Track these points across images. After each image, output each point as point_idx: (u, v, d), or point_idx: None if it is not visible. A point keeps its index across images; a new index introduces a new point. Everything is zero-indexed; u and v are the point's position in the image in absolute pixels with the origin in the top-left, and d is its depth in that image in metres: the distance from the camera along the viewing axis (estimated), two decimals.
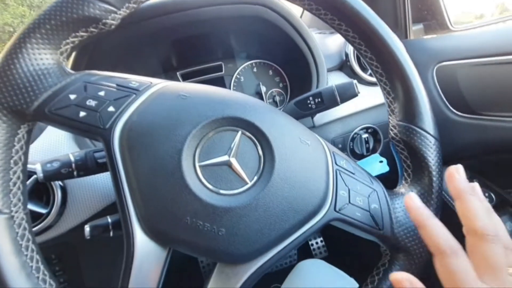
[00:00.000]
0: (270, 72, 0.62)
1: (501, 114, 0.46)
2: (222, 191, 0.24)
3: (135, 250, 0.24)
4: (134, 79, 0.27)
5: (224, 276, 0.25)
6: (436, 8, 0.65)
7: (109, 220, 0.30)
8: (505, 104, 0.46)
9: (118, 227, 0.30)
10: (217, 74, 0.60)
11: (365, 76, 0.56)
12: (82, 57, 0.44)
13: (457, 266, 0.21)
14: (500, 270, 0.21)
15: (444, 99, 0.53)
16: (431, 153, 0.30)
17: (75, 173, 0.32)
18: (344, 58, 0.57)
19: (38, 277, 0.23)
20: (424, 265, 0.29)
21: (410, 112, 0.31)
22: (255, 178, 0.25)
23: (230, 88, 0.60)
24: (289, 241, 0.25)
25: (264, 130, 0.25)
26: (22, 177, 0.25)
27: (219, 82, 0.60)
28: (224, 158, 0.25)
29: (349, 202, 0.27)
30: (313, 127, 0.52)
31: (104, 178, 0.42)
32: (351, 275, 0.50)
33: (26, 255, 0.23)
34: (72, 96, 0.24)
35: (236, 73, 0.61)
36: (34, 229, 0.38)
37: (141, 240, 0.24)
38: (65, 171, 0.32)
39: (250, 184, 0.25)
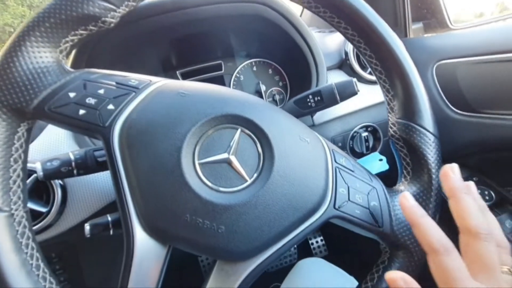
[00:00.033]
0: (270, 71, 0.62)
1: (501, 112, 0.46)
2: (221, 189, 0.24)
3: (135, 247, 0.24)
4: (134, 77, 0.27)
5: (223, 273, 0.25)
6: (435, 6, 0.65)
7: (109, 218, 0.30)
8: (505, 102, 0.46)
9: (118, 226, 0.30)
10: (216, 73, 0.60)
11: (365, 75, 0.56)
12: (81, 56, 0.44)
13: (449, 264, 0.21)
14: (493, 268, 0.21)
15: (444, 97, 0.53)
16: (430, 150, 0.30)
17: (75, 171, 0.32)
18: (344, 56, 0.57)
19: (38, 275, 0.23)
20: (424, 263, 0.29)
21: (409, 110, 0.31)
22: (255, 175, 0.25)
23: (229, 87, 0.60)
24: (288, 239, 0.26)
25: (263, 128, 0.25)
26: (22, 175, 0.25)
27: (219, 81, 0.60)
28: (224, 155, 0.25)
29: (349, 199, 0.27)
30: (312, 126, 0.52)
31: (104, 177, 0.42)
32: (351, 273, 0.50)
33: (26, 253, 0.23)
34: (72, 94, 0.24)
35: (235, 72, 0.61)
36: (34, 228, 0.38)
37: (141, 238, 0.24)
38: (65, 170, 0.32)
39: (249, 181, 0.25)
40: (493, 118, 0.47)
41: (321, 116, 0.52)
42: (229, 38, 0.57)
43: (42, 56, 0.24)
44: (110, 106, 0.25)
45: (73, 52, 0.44)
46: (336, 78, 0.55)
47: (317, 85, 0.53)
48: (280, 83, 0.62)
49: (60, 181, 0.40)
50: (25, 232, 0.24)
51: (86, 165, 0.32)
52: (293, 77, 0.61)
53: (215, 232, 0.23)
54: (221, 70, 0.60)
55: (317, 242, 0.90)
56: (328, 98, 0.41)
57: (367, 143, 0.55)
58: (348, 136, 0.54)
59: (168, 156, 0.23)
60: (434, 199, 0.30)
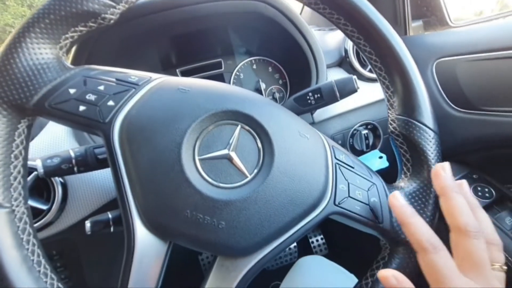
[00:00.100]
0: (270, 69, 0.62)
1: (501, 109, 0.46)
2: (222, 185, 0.24)
3: (136, 244, 0.24)
4: (134, 74, 0.27)
5: (224, 269, 0.25)
6: (435, 4, 0.65)
7: (110, 216, 0.30)
8: (505, 99, 0.46)
9: (118, 223, 0.30)
10: (216, 71, 0.60)
11: (364, 72, 0.56)
12: (81, 53, 0.44)
13: (438, 262, 0.22)
14: (483, 266, 0.22)
15: (444, 95, 0.53)
16: (430, 146, 0.30)
17: (75, 169, 0.32)
18: (344, 54, 0.57)
19: (39, 271, 0.23)
20: None
21: (409, 106, 0.31)
22: (255, 171, 0.25)
23: None
24: (288, 235, 0.26)
25: (263, 124, 0.26)
26: (22, 171, 0.25)
27: (219, 79, 0.60)
28: (224, 152, 0.25)
29: (349, 195, 0.27)
30: (312, 124, 0.52)
31: (104, 175, 0.42)
32: (351, 271, 0.50)
33: (27, 249, 0.23)
34: (72, 91, 0.24)
35: (235, 70, 0.61)
36: (35, 225, 0.38)
37: (142, 234, 0.24)
38: (65, 167, 0.32)
39: (249, 177, 0.25)
40: (493, 115, 0.47)
41: (321, 113, 0.52)
42: (229, 36, 0.57)
43: (42, 53, 0.24)
44: (110, 102, 0.25)
45: (73, 49, 0.44)
46: (335, 75, 0.55)
47: (317, 83, 0.53)
48: (280, 81, 0.62)
49: (60, 179, 0.40)
50: (26, 228, 0.24)
51: (87, 163, 0.33)
52: (293, 75, 0.61)
53: (215, 227, 0.23)
54: (221, 68, 0.60)
55: (317, 240, 0.90)
56: (328, 96, 0.41)
57: (367, 141, 0.55)
58: (348, 134, 0.54)
59: (168, 152, 0.24)
60: (433, 195, 0.30)
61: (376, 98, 0.55)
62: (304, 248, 0.89)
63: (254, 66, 0.62)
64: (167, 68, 0.59)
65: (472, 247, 0.22)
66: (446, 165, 0.26)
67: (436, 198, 0.30)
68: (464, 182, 0.26)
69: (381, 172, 0.33)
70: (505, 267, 0.23)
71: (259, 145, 0.26)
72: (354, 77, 0.42)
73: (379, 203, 0.28)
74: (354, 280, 0.48)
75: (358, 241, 0.77)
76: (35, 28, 0.23)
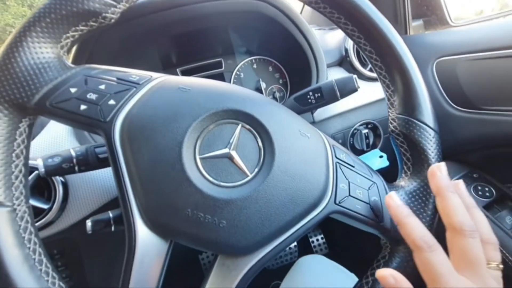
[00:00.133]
0: (270, 68, 0.62)
1: (501, 108, 0.46)
2: (222, 183, 0.24)
3: (137, 242, 0.24)
4: (134, 73, 0.27)
5: (225, 268, 0.25)
6: (436, 3, 0.65)
7: (111, 215, 0.30)
8: (505, 99, 0.46)
9: (119, 222, 0.30)
10: (217, 70, 0.60)
11: (365, 72, 0.56)
12: (82, 53, 0.44)
13: (433, 260, 0.22)
14: (478, 264, 0.22)
15: (444, 94, 0.53)
16: (430, 145, 0.30)
17: (76, 168, 0.32)
18: (344, 53, 0.57)
19: (41, 270, 0.23)
20: None
21: (409, 105, 0.31)
22: (256, 170, 0.25)
23: None
24: (289, 233, 0.26)
25: (263, 123, 0.26)
26: (24, 170, 0.25)
27: (219, 78, 0.60)
28: (225, 150, 0.25)
29: (349, 194, 0.27)
30: (313, 123, 0.52)
31: (105, 174, 0.42)
32: (351, 270, 0.50)
33: (29, 248, 0.23)
34: (73, 90, 0.24)
35: (236, 69, 0.61)
36: (36, 224, 0.38)
37: (143, 233, 0.24)
38: (66, 166, 0.32)
39: (250, 176, 0.25)
40: (493, 115, 0.47)
41: (321, 113, 0.52)
42: (229, 36, 0.57)
43: (43, 52, 0.24)
44: (111, 102, 0.25)
45: (74, 48, 0.44)
46: (336, 75, 0.55)
47: (317, 82, 0.53)
48: (280, 81, 0.62)
49: (61, 178, 0.40)
50: (27, 227, 0.24)
51: (87, 162, 0.33)
52: (293, 74, 0.61)
53: (216, 226, 0.23)
54: (221, 67, 0.60)
55: (317, 240, 0.90)
56: (329, 95, 0.41)
57: (367, 140, 0.55)
58: (348, 133, 0.54)
59: (169, 151, 0.24)
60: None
61: (377, 97, 0.55)
62: (304, 247, 0.89)
63: (255, 66, 0.62)
64: (167, 68, 0.59)
65: (468, 246, 0.22)
66: (442, 165, 0.26)
67: None
68: (460, 182, 0.26)
69: (382, 171, 0.34)
70: (501, 266, 0.24)
71: (260, 144, 0.26)
72: (355, 76, 0.42)
73: (379, 202, 0.28)
74: (354, 279, 0.48)
75: (358, 241, 0.77)
76: (36, 27, 0.23)
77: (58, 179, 0.39)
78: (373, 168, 0.32)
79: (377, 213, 0.28)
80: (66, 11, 0.24)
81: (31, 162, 0.36)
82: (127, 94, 0.25)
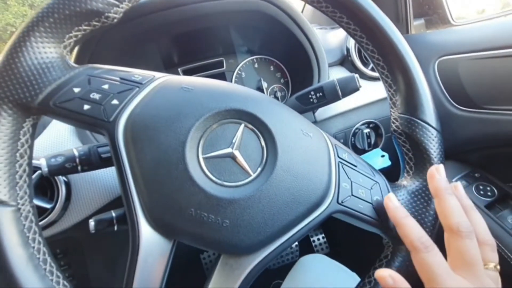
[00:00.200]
0: (271, 68, 0.62)
1: (503, 107, 0.46)
2: (226, 183, 0.24)
3: (141, 242, 0.24)
4: (137, 73, 0.27)
5: (228, 267, 0.25)
6: (437, 2, 0.65)
7: (113, 214, 0.30)
8: (507, 98, 0.46)
9: (122, 221, 0.31)
10: (218, 70, 0.60)
11: (366, 71, 0.56)
12: (85, 52, 0.44)
13: (430, 260, 0.22)
14: (475, 264, 0.22)
15: (446, 93, 0.53)
16: (433, 145, 0.30)
17: (79, 167, 0.32)
18: (345, 53, 0.57)
19: (45, 269, 0.23)
20: None
21: (411, 105, 0.31)
22: (258, 170, 0.25)
23: None
24: (292, 233, 0.26)
25: (266, 122, 0.26)
26: (28, 170, 0.25)
27: (221, 78, 0.60)
28: (228, 150, 0.25)
29: (352, 194, 0.28)
30: (314, 122, 0.52)
31: (106, 173, 0.42)
32: (353, 270, 0.50)
33: (33, 247, 0.23)
34: (76, 90, 0.24)
35: (237, 69, 0.61)
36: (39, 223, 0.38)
37: (146, 232, 0.24)
38: (69, 166, 0.32)
39: (253, 176, 0.25)
40: (495, 114, 0.47)
41: (322, 112, 0.52)
42: (230, 35, 0.57)
43: (46, 52, 0.24)
44: (114, 101, 0.25)
45: (76, 48, 0.44)
46: (337, 74, 0.55)
47: (318, 82, 0.53)
48: (282, 80, 0.62)
49: (64, 178, 0.40)
50: (31, 227, 0.24)
51: (90, 161, 0.33)
52: (295, 74, 0.61)
53: (219, 226, 0.24)
54: (223, 67, 0.60)
55: (318, 239, 0.90)
56: (330, 94, 0.41)
57: (369, 140, 0.55)
58: (350, 133, 0.54)
59: (172, 150, 0.24)
60: None
61: (378, 96, 0.55)
62: (306, 246, 0.89)
63: (256, 65, 0.62)
64: (169, 67, 0.59)
65: (464, 247, 0.23)
66: (441, 167, 0.26)
67: None
68: (458, 184, 0.27)
69: (383, 171, 0.34)
70: (498, 267, 0.24)
71: (263, 143, 0.26)
72: (356, 75, 0.42)
73: (382, 202, 0.28)
74: (356, 279, 0.48)
75: (359, 240, 0.77)
76: (39, 27, 0.24)
77: (60, 179, 0.40)
78: (375, 168, 0.32)
79: (379, 212, 0.28)
80: (69, 11, 0.24)
81: (34, 161, 0.35)
82: (130, 93, 0.25)
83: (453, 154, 0.54)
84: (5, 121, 0.23)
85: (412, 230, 0.24)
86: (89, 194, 0.41)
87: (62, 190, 0.39)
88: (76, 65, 0.26)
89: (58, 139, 0.43)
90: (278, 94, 0.62)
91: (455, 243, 0.23)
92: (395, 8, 0.63)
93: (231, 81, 0.61)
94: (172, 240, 0.25)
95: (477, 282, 0.22)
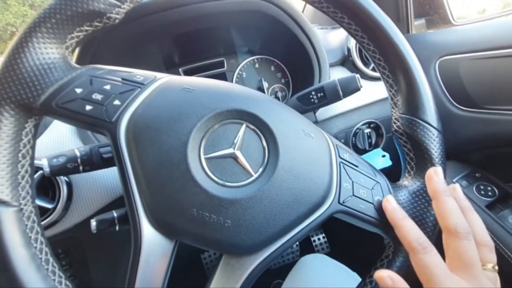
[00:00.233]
0: (272, 68, 0.62)
1: (504, 107, 0.46)
2: (227, 183, 0.24)
3: (143, 242, 0.24)
4: (139, 73, 0.27)
5: (230, 267, 0.25)
6: (438, 2, 0.65)
7: (115, 214, 0.31)
8: (508, 98, 0.46)
9: (123, 221, 0.31)
10: (219, 70, 0.60)
11: (367, 71, 0.56)
12: (86, 53, 0.44)
13: (428, 261, 0.23)
14: (472, 265, 0.23)
15: (447, 93, 0.53)
16: (434, 145, 0.30)
17: (80, 168, 0.32)
18: (346, 53, 0.57)
19: (47, 269, 0.23)
20: None
21: (413, 105, 0.31)
22: (260, 170, 0.25)
23: None
24: (294, 233, 0.26)
25: (268, 123, 0.26)
26: (30, 170, 0.25)
27: (221, 78, 0.60)
28: (229, 150, 0.25)
29: (353, 194, 0.28)
30: (315, 122, 0.52)
31: (108, 174, 0.42)
32: (353, 270, 0.50)
33: (36, 247, 0.23)
34: (78, 90, 0.25)
35: (238, 69, 0.61)
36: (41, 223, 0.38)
37: (148, 232, 0.24)
38: (71, 166, 0.32)
39: (255, 176, 0.25)
40: (496, 114, 0.47)
41: (323, 112, 0.52)
42: (231, 35, 0.57)
43: (48, 52, 0.24)
44: (116, 102, 0.25)
45: (77, 49, 0.44)
46: (338, 74, 0.55)
47: (319, 82, 0.53)
48: (283, 80, 0.62)
49: (65, 178, 0.40)
50: (34, 227, 0.24)
51: (92, 162, 0.33)
52: (296, 74, 0.61)
53: (221, 226, 0.24)
54: (224, 67, 0.60)
55: (319, 239, 0.91)
56: (331, 94, 0.42)
57: (369, 140, 0.55)
58: (350, 133, 0.54)
59: (174, 151, 0.24)
60: None
61: (379, 97, 0.55)
62: (306, 246, 0.89)
63: (257, 65, 0.62)
64: (170, 67, 0.59)
65: (462, 248, 0.23)
66: (439, 169, 0.27)
67: None
68: (457, 186, 0.27)
69: (384, 171, 0.34)
70: (496, 268, 0.24)
71: (264, 144, 0.26)
72: (357, 75, 0.42)
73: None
74: (357, 278, 0.48)
75: (359, 240, 0.77)
76: (41, 28, 0.24)
77: (62, 179, 0.40)
78: (376, 168, 0.32)
79: (380, 212, 0.28)
80: (71, 11, 0.24)
81: (36, 162, 0.36)
82: (132, 94, 0.25)
83: (454, 154, 0.54)
84: (7, 121, 0.23)
85: (410, 232, 0.25)
86: (90, 194, 0.41)
87: (64, 190, 0.39)
88: (78, 66, 0.26)
89: (59, 139, 0.43)
90: (279, 94, 0.62)
91: (453, 244, 0.24)
92: (396, 8, 0.63)
93: (232, 81, 0.61)
94: (174, 240, 0.25)
95: (475, 283, 0.22)
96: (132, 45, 0.50)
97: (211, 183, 0.24)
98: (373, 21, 0.30)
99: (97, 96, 0.25)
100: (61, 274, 0.24)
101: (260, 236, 0.24)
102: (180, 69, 0.59)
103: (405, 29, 0.63)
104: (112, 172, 0.42)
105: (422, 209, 0.29)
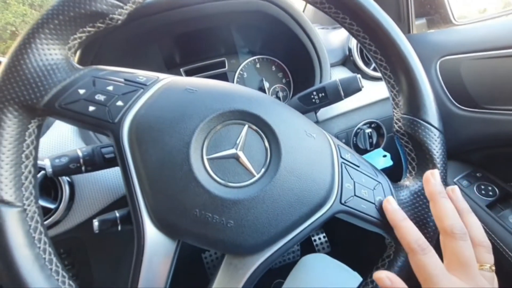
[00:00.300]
0: (273, 68, 0.62)
1: (505, 107, 0.46)
2: (230, 184, 0.25)
3: (146, 242, 0.24)
4: (141, 74, 0.27)
5: (232, 267, 0.25)
6: (439, 2, 0.65)
7: (117, 214, 0.31)
8: (509, 98, 0.46)
9: (126, 222, 0.31)
10: (220, 70, 0.60)
11: (368, 71, 0.56)
12: (87, 54, 0.44)
13: (426, 262, 0.23)
14: (469, 265, 0.23)
15: (448, 93, 0.53)
16: (435, 145, 0.30)
17: (83, 168, 0.32)
18: (347, 53, 0.57)
19: (51, 269, 0.23)
20: None
21: (414, 105, 0.31)
22: (262, 170, 0.25)
23: None
24: (296, 233, 0.26)
25: (270, 123, 0.26)
26: (33, 171, 0.25)
27: (222, 78, 0.60)
28: (232, 151, 0.25)
29: (355, 194, 0.28)
30: (316, 122, 0.52)
31: (110, 174, 0.43)
32: (354, 269, 0.50)
33: (39, 248, 0.23)
34: (81, 91, 0.25)
35: (239, 69, 0.61)
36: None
37: (151, 233, 0.24)
38: (73, 166, 0.32)
39: (257, 176, 0.25)
40: (496, 114, 0.47)
41: (324, 112, 0.53)
42: (232, 35, 0.57)
43: (51, 53, 0.24)
44: (119, 103, 0.25)
45: (79, 50, 0.44)
46: (339, 74, 0.55)
47: (320, 82, 0.53)
48: (284, 80, 0.62)
49: (67, 178, 0.40)
50: (37, 227, 0.24)
51: (94, 162, 0.33)
52: (297, 74, 0.61)
53: (224, 226, 0.24)
54: (225, 67, 0.60)
55: (319, 238, 0.91)
56: (333, 95, 0.42)
57: (370, 140, 0.55)
58: (351, 133, 0.54)
59: (177, 151, 0.24)
60: None
61: (380, 97, 0.55)
62: (307, 246, 0.89)
63: (258, 65, 0.62)
64: (171, 67, 0.59)
65: (458, 248, 0.23)
66: (436, 172, 0.27)
67: None
68: (455, 188, 0.28)
69: (385, 171, 0.34)
70: (493, 268, 0.25)
71: (266, 144, 0.26)
72: (359, 76, 0.42)
73: None
74: (358, 278, 0.48)
75: (360, 239, 0.77)
76: (44, 29, 0.24)
77: (64, 179, 0.40)
78: (377, 168, 0.32)
79: (382, 213, 0.28)
80: (74, 12, 0.24)
81: (38, 162, 0.36)
82: (135, 95, 0.25)
83: (454, 154, 0.54)
84: (10, 122, 0.23)
85: (409, 232, 0.25)
86: (92, 194, 0.41)
87: (66, 190, 0.39)
88: (80, 67, 0.26)
89: (61, 139, 0.43)
90: (280, 94, 0.62)
91: (449, 245, 0.24)
92: (397, 8, 0.63)
93: (233, 81, 0.61)
94: (176, 240, 0.25)
95: (472, 283, 0.22)
96: (133, 46, 0.50)
97: (214, 183, 0.24)
98: (375, 22, 0.30)
99: (100, 97, 0.25)
100: (64, 274, 0.24)
101: (263, 236, 0.24)
102: (181, 69, 0.59)
103: (406, 29, 0.63)
104: (114, 173, 0.42)
105: (423, 209, 0.29)
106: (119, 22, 0.27)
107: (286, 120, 0.27)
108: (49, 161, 0.32)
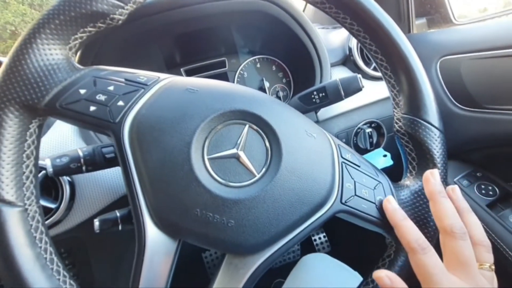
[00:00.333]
0: (273, 68, 0.62)
1: (505, 107, 0.46)
2: (231, 184, 0.25)
3: (147, 242, 0.24)
4: (142, 74, 0.27)
5: (233, 267, 0.25)
6: (439, 1, 0.65)
7: (118, 214, 0.31)
8: (509, 98, 0.46)
9: (126, 221, 0.31)
10: (220, 70, 0.60)
11: (369, 71, 0.56)
12: (88, 54, 0.44)
13: (426, 261, 0.23)
14: (469, 264, 0.23)
15: (448, 93, 0.53)
16: (436, 145, 0.30)
17: (83, 168, 0.33)
18: (348, 52, 0.57)
19: (52, 269, 0.23)
20: None
21: (414, 105, 0.31)
22: (263, 170, 0.25)
23: None
24: (296, 232, 0.26)
25: (271, 123, 0.26)
26: (34, 171, 0.25)
27: (223, 78, 0.60)
28: (232, 151, 0.25)
29: (355, 194, 0.28)
30: (317, 122, 0.52)
31: (110, 174, 0.43)
32: (354, 269, 0.50)
33: (40, 247, 0.23)
34: (82, 91, 0.25)
35: (239, 68, 0.61)
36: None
37: (152, 232, 0.24)
38: (74, 166, 0.32)
39: (258, 176, 0.25)
40: (497, 113, 0.47)
41: (325, 112, 0.53)
42: (232, 35, 0.57)
43: (52, 53, 0.24)
44: (120, 103, 0.25)
45: (79, 50, 0.44)
46: (339, 74, 0.55)
47: (320, 82, 0.53)
48: (284, 80, 0.62)
49: (68, 178, 0.40)
50: (38, 227, 0.24)
51: (94, 162, 0.33)
52: (297, 73, 0.61)
53: (225, 226, 0.24)
54: (225, 67, 0.60)
55: (319, 238, 0.91)
56: (333, 94, 0.42)
57: (371, 139, 0.55)
58: (352, 132, 0.54)
59: (178, 151, 0.24)
60: None
61: (380, 96, 0.55)
62: (307, 245, 0.89)
63: (258, 65, 0.62)
64: (171, 67, 0.59)
65: (458, 248, 0.24)
66: (435, 171, 0.27)
67: None
68: (455, 187, 0.28)
69: (385, 170, 0.34)
70: (493, 267, 0.25)
71: (267, 144, 0.26)
72: (359, 75, 0.42)
73: None
74: (358, 278, 0.48)
75: (360, 239, 0.77)
76: (45, 29, 0.24)
77: (65, 179, 0.40)
78: (377, 167, 0.32)
79: (382, 212, 0.28)
80: (74, 12, 0.24)
81: (39, 162, 0.36)
82: (136, 95, 0.25)
83: (455, 154, 0.54)
84: (12, 122, 0.24)
85: (409, 232, 0.25)
86: (93, 194, 0.41)
87: (67, 190, 0.39)
88: (81, 67, 0.26)
89: (62, 139, 0.43)
90: (280, 94, 0.62)
91: (449, 244, 0.24)
92: (397, 7, 0.63)
93: (233, 81, 0.61)
94: (177, 240, 0.25)
95: (472, 282, 0.23)
96: (133, 45, 0.50)
97: (215, 183, 0.24)
98: (375, 22, 0.30)
99: (101, 97, 0.25)
100: (65, 273, 0.24)
101: (263, 236, 0.24)
102: (181, 69, 0.59)
103: (406, 28, 0.63)
104: (114, 172, 0.42)
105: (424, 208, 0.30)
106: (120, 22, 0.27)
107: (287, 120, 0.27)
108: (49, 161, 0.32)
